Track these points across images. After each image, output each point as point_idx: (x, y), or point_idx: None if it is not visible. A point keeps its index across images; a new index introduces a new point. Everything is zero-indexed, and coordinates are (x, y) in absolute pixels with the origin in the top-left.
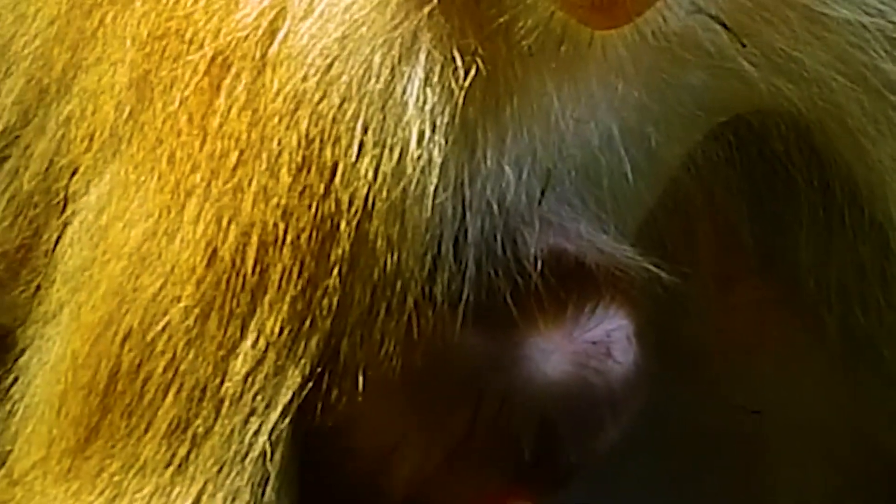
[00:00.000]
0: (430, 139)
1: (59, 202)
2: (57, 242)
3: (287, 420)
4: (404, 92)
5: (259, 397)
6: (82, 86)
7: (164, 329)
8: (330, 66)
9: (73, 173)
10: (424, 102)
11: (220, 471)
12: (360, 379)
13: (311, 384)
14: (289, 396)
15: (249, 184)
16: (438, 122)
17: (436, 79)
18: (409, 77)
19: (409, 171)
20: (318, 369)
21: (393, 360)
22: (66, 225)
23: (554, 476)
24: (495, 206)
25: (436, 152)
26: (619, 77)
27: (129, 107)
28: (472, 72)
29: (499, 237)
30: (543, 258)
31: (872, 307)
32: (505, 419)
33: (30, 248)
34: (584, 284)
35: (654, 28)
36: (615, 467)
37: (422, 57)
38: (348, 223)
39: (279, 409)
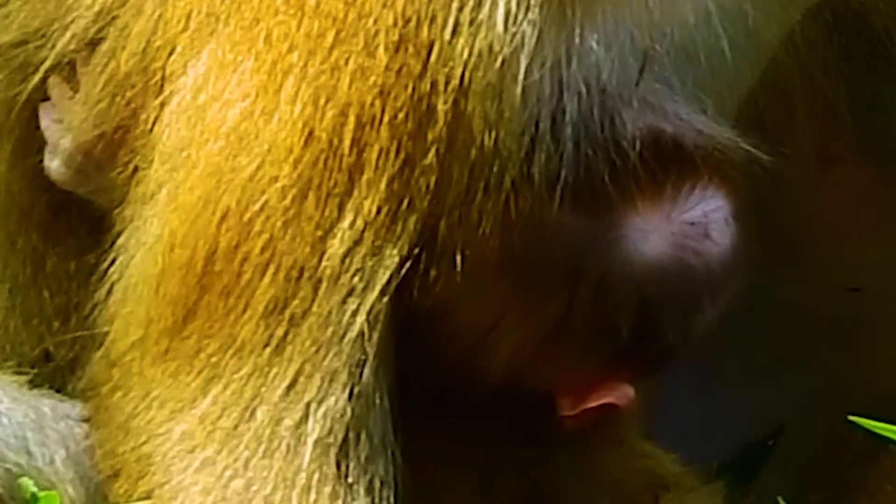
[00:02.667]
0: (522, 17)
1: (156, 82)
2: (155, 123)
3: (385, 301)
4: None
5: (357, 277)
6: None
7: (261, 209)
8: None
9: (171, 53)
10: None
11: (317, 351)
12: (458, 259)
13: (409, 265)
14: (387, 277)
15: (346, 63)
16: (522, 3)
17: None
18: None
19: (503, 49)
20: (416, 250)
21: (491, 241)
22: (163, 105)
23: (652, 357)
24: (593, 86)
25: (528, 30)
26: None
27: None
28: None
29: (596, 117)
30: (641, 138)
31: None
32: (602, 299)
33: (127, 128)
34: (683, 165)
35: None
36: (712, 350)
37: None
38: (445, 102)
39: (377, 289)
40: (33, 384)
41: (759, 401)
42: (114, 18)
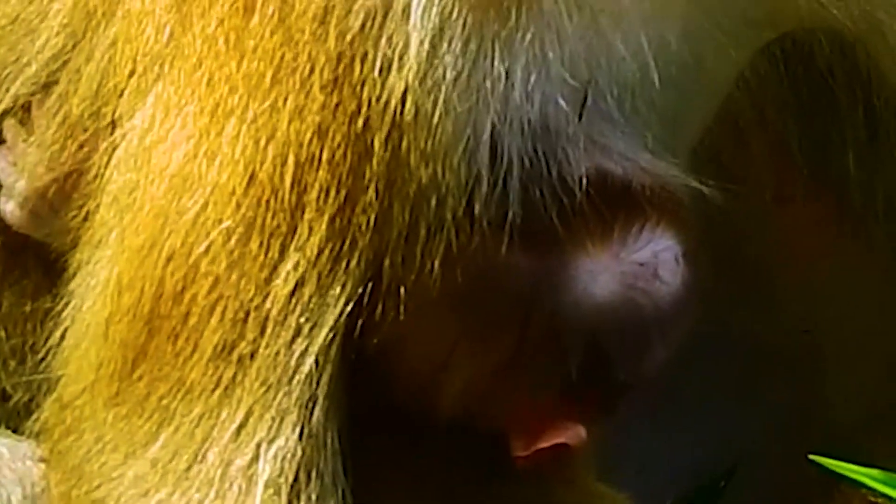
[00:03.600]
0: (446, 50)
1: (106, 125)
2: (105, 166)
3: (334, 341)
4: (411, 4)
5: (304, 318)
6: (127, 8)
7: (206, 251)
8: None
9: (120, 96)
10: (430, 14)
11: (266, 392)
12: (405, 299)
13: (356, 304)
14: (334, 316)
15: (284, 103)
16: (449, 33)
17: None
18: None
19: (431, 83)
20: (363, 289)
21: (438, 280)
22: (113, 148)
23: (603, 396)
24: (535, 123)
25: (451, 62)
26: None
27: (171, 29)
28: None
29: (541, 155)
30: (588, 178)
31: None
32: (552, 339)
33: (80, 171)
34: (631, 205)
35: None
36: (667, 387)
37: None
38: (381, 138)
39: (325, 329)
40: None
41: (713, 438)
42: (66, 62)
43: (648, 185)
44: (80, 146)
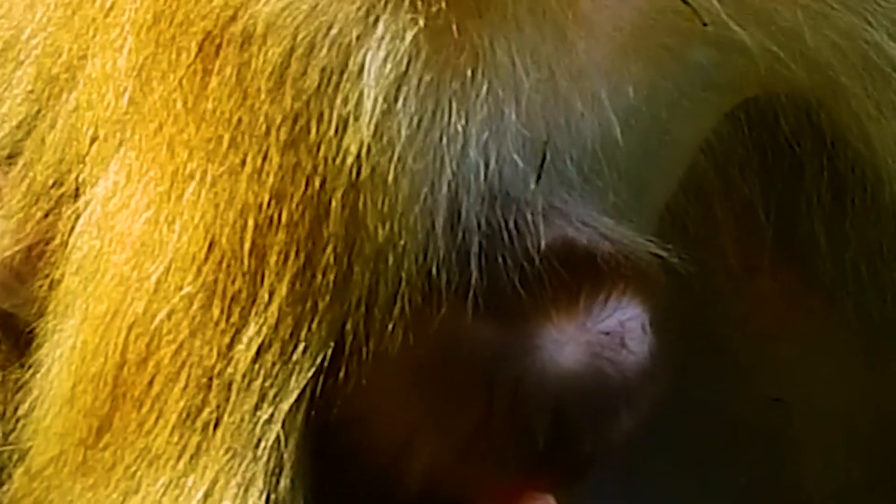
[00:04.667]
0: (401, 108)
1: (70, 193)
2: (70, 234)
3: (299, 408)
4: (365, 63)
5: (268, 384)
6: (88, 74)
7: (168, 317)
8: (307, 39)
9: (83, 163)
10: (385, 72)
11: (232, 459)
12: (368, 366)
13: (320, 372)
14: (299, 383)
15: (243, 166)
16: (405, 91)
17: (395, 45)
18: (369, 46)
19: (387, 141)
20: (326, 357)
21: (401, 347)
22: (77, 216)
23: (570, 466)
24: (492, 182)
25: (405, 121)
26: (603, 45)
27: (131, 94)
28: (432, 36)
29: (500, 216)
30: (552, 246)
31: (890, 290)
32: (518, 409)
33: (46, 241)
34: (597, 274)
35: None
36: (636, 458)
37: (379, 26)
38: (338, 198)
39: (290, 396)
40: None
41: None
42: (30, 131)
43: (614, 252)
44: (45, 215)
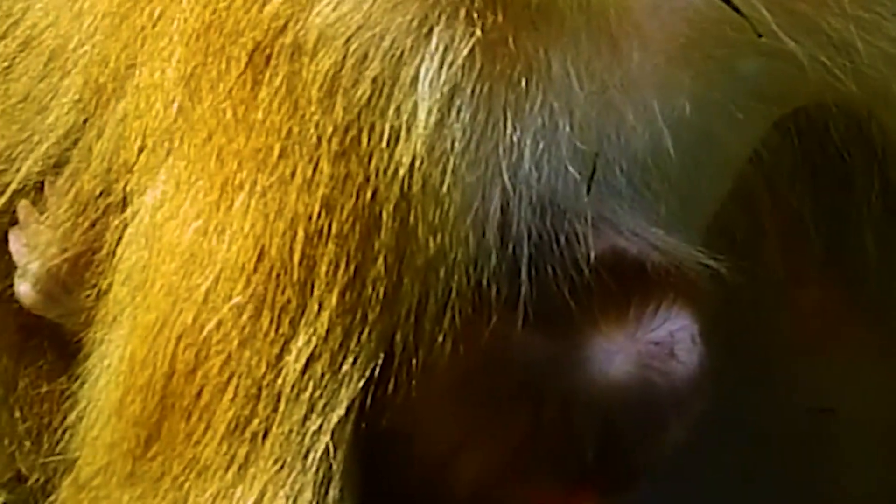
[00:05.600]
0: (454, 120)
1: (118, 203)
2: (117, 244)
3: (348, 419)
4: (419, 74)
5: (317, 395)
6: (136, 83)
7: (217, 328)
8: (359, 50)
9: (131, 172)
10: (439, 84)
11: (280, 470)
12: (417, 377)
13: (370, 384)
14: (348, 394)
15: (293, 177)
16: (458, 102)
17: (449, 57)
18: (423, 57)
19: (440, 153)
20: (376, 368)
21: (450, 359)
22: (125, 226)
23: (619, 477)
24: (544, 194)
25: (459, 134)
26: (655, 56)
27: (180, 104)
28: (487, 47)
29: (550, 228)
30: (601, 256)
31: None
32: (567, 421)
33: (93, 250)
34: (647, 284)
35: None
36: (681, 469)
37: (433, 37)
38: (390, 210)
39: (339, 408)
40: None
41: None
42: (77, 140)
43: (663, 263)
44: (92, 224)
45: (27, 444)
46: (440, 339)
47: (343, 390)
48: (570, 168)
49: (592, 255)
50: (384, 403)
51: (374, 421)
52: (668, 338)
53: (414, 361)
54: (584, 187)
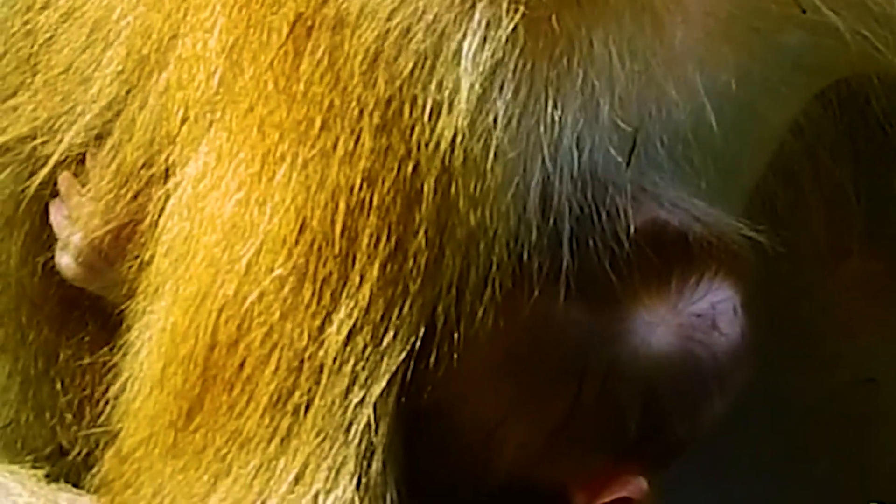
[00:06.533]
0: (497, 95)
1: (160, 174)
2: (159, 215)
3: (391, 392)
4: (462, 49)
5: (359, 367)
6: (178, 54)
7: (258, 300)
8: (401, 24)
9: (173, 144)
10: (482, 59)
11: (323, 442)
12: (459, 351)
13: (412, 356)
14: (390, 366)
15: (334, 149)
16: (500, 78)
17: (492, 33)
18: (466, 32)
19: (480, 127)
20: (417, 341)
21: (491, 333)
22: (167, 197)
23: (661, 450)
24: (584, 169)
25: (502, 108)
26: (697, 30)
27: (222, 75)
28: (530, 24)
29: (593, 206)
30: (643, 228)
31: None
32: (609, 394)
33: (135, 222)
34: (689, 256)
35: None
36: (728, 442)
37: (476, 13)
38: (431, 183)
39: (381, 380)
40: (50, 478)
41: (772, 493)
42: (120, 111)
43: (705, 235)
44: (135, 196)
45: (69, 416)
46: (481, 312)
47: (385, 363)
48: (611, 145)
49: (633, 227)
50: (426, 377)
51: (416, 395)
52: (710, 310)
53: (455, 335)
54: (624, 163)
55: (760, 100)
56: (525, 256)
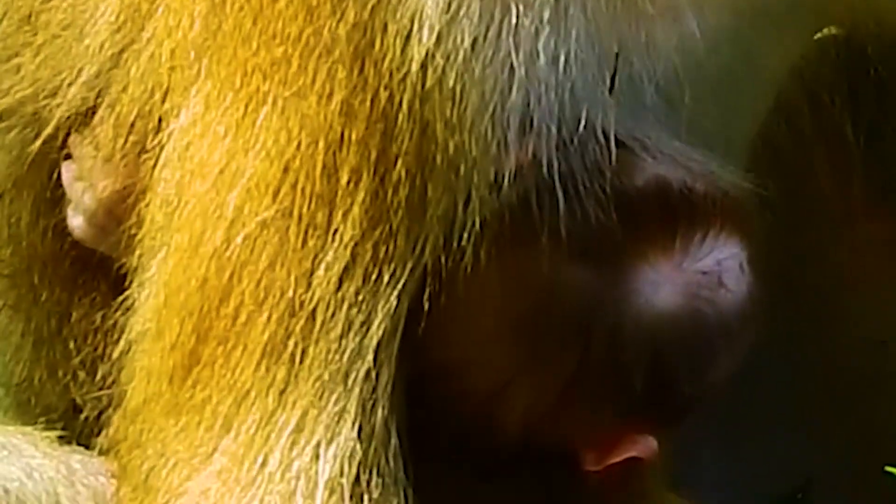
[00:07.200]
0: (464, 14)
1: (154, 126)
2: (154, 167)
3: (390, 340)
4: None
5: (353, 311)
6: (165, 2)
7: (247, 246)
8: None
9: (164, 94)
10: None
11: (322, 392)
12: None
13: (406, 299)
14: (386, 312)
15: (312, 86)
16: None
17: None
18: None
19: (452, 48)
20: (410, 283)
21: (494, 294)
22: (161, 147)
23: (670, 408)
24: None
25: (470, 27)
26: None
27: (205, 21)
28: None
29: (575, 131)
30: (645, 186)
31: None
32: (616, 353)
33: (140, 179)
34: (692, 213)
35: None
36: (741, 401)
37: None
38: (406, 112)
39: (377, 324)
40: (63, 440)
41: (786, 453)
42: (117, 65)
43: (709, 190)
44: (136, 151)
45: (82, 375)
46: (471, 252)
47: (380, 306)
48: (590, 66)
49: (635, 182)
50: (430, 332)
51: (421, 353)
52: (716, 266)
53: (452, 280)
54: (605, 88)
55: (755, 39)
56: (512, 193)
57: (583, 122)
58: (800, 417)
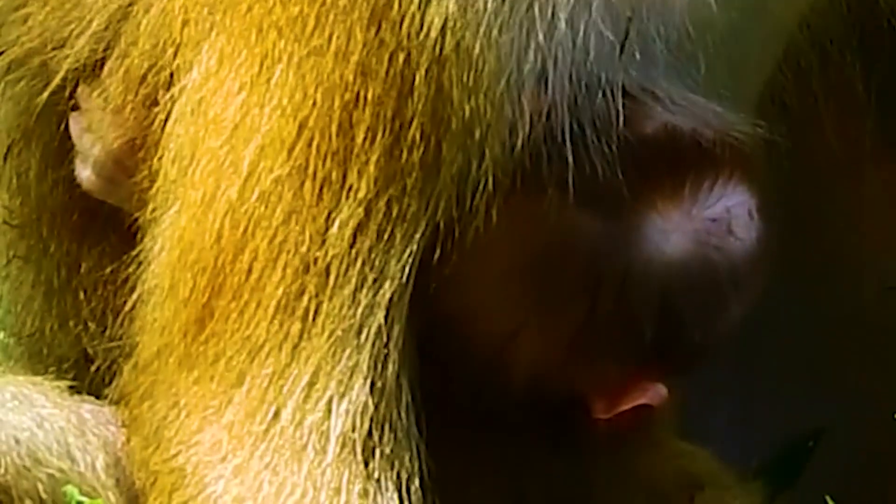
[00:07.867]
0: None
1: (165, 80)
2: (166, 121)
3: (402, 295)
4: None
5: (367, 268)
6: None
7: (261, 202)
8: None
9: (176, 48)
10: None
11: (334, 347)
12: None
13: (419, 257)
14: (399, 268)
15: (328, 45)
16: None
17: None
18: None
19: (472, 14)
20: (423, 239)
21: (504, 243)
22: (173, 102)
23: (680, 356)
24: (580, 63)
25: None
26: None
27: None
28: None
29: (588, 99)
30: (654, 134)
31: None
32: (625, 300)
33: (148, 132)
34: (701, 160)
35: None
36: (753, 350)
37: None
38: (423, 74)
39: (390, 280)
40: (73, 389)
41: (797, 401)
42: (126, 17)
43: (718, 138)
44: (144, 104)
45: (92, 325)
46: (484, 210)
47: (392, 263)
48: (607, 30)
49: (644, 130)
50: (440, 284)
51: (432, 303)
52: (725, 214)
53: (463, 235)
54: (618, 49)
55: None
56: (524, 152)
57: (596, 81)
58: (811, 366)
